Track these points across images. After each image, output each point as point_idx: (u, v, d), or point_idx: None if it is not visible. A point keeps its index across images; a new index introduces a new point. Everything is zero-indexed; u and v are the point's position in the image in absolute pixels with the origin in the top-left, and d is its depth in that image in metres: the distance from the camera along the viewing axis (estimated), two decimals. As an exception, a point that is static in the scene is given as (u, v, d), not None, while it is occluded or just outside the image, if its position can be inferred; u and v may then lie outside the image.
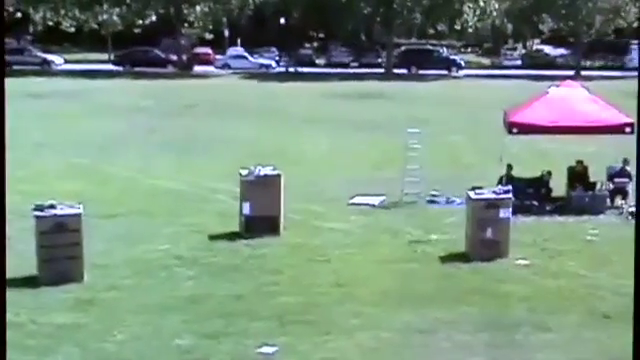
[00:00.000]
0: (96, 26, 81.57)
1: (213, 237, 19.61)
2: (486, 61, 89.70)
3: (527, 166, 25.07)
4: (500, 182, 21.98)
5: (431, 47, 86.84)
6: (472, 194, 18.74)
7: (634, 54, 76.65)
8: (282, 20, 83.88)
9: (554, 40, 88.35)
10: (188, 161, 30.17)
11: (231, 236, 19.62)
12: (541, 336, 13.70)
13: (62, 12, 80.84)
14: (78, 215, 16.33)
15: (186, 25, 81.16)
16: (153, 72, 72.03)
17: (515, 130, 22.96)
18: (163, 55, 78.64)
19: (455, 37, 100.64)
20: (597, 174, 23.75)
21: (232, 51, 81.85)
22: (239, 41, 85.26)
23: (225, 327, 13.89)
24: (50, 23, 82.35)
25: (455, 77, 74.71)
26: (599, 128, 23.22)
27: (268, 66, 79.11)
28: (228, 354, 12.85)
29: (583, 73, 70.90)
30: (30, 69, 71.22)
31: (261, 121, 42.05)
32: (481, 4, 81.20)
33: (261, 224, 19.55)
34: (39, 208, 16.34)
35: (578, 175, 23.51)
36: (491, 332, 13.84)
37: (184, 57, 79.02)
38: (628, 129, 22.51)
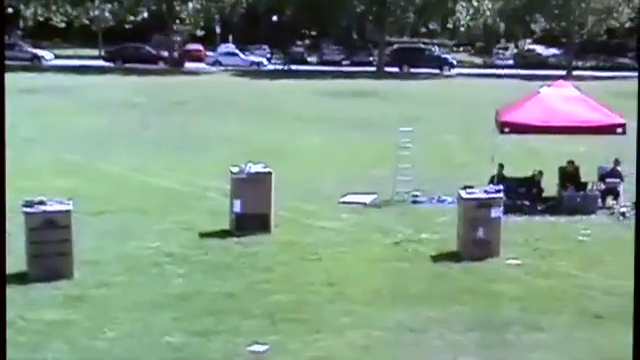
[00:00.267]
0: (87, 22, 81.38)
1: (204, 235, 19.56)
2: (478, 60, 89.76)
3: (519, 166, 25.06)
4: (491, 181, 21.98)
5: (423, 46, 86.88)
6: (464, 193, 18.73)
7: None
8: (274, 17, 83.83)
9: (546, 40, 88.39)
10: (179, 158, 30.09)
11: (222, 234, 19.57)
12: (533, 336, 13.69)
13: (53, 8, 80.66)
14: (68, 211, 16.26)
15: (178, 22, 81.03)
16: (144, 68, 71.90)
17: (507, 130, 22.95)
18: (154, 51, 78.49)
19: (447, 36, 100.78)
20: (588, 174, 23.77)
21: (223, 48, 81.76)
22: (231, 38, 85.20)
23: (216, 325, 13.85)
24: (41, 19, 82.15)
25: (447, 76, 74.72)
26: (590, 128, 23.22)
27: (259, 63, 79.01)
28: (219, 352, 12.81)
29: (575, 73, 71.00)
30: (20, 64, 70.84)
31: (252, 119, 42.00)
32: (474, 3, 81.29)
33: (252, 222, 19.50)
34: (29, 204, 16.25)
35: (569, 175, 23.52)
36: (482, 331, 13.82)
37: (175, 54, 78.89)
38: (619, 129, 22.52)
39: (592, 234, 20.24)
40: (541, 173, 23.66)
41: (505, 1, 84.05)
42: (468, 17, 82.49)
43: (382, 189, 23.79)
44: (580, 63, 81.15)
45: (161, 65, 76.01)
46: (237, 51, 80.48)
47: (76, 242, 16.36)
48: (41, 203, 16.33)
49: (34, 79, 60.52)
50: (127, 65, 73.63)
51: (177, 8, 79.77)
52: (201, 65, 77.91)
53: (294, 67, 77.11)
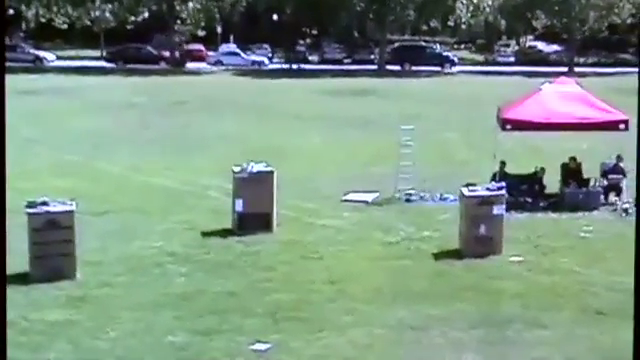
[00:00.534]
0: (88, 23, 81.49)
1: (206, 234, 19.56)
2: (479, 57, 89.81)
3: (520, 163, 25.07)
4: (493, 179, 21.95)
5: (424, 43, 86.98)
6: (465, 191, 18.73)
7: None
8: (275, 17, 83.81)
9: (547, 36, 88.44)
10: (181, 158, 30.11)
11: (224, 233, 19.58)
12: (535, 333, 13.68)
13: (54, 9, 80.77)
14: (71, 212, 16.28)
15: (178, 22, 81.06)
16: (145, 69, 71.95)
17: (508, 126, 22.92)
18: (155, 52, 78.56)
19: (448, 33, 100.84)
20: (591, 171, 23.77)
21: (225, 48, 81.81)
22: (232, 38, 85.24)
23: (218, 324, 13.86)
24: (42, 20, 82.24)
25: (448, 74, 74.74)
26: (592, 125, 23.18)
27: (261, 63, 79.04)
28: (221, 351, 12.81)
29: (576, 69, 71.04)
30: (22, 66, 70.95)
31: (254, 118, 42.03)
32: (474, 0, 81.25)
33: (254, 221, 19.50)
34: (32, 205, 16.28)
35: (572, 172, 23.51)
36: (485, 329, 13.81)
37: (176, 54, 78.94)
38: (622, 126, 22.49)
39: (594, 230, 20.23)
40: (543, 170, 23.66)
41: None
42: (469, 14, 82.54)
43: (384, 187, 23.78)
44: (582, 59, 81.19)
45: (162, 65, 76.09)
46: (238, 51, 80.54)
47: (78, 242, 16.36)
48: (44, 204, 16.35)
49: (36, 80, 60.60)
50: (129, 66, 73.69)
51: (178, 8, 79.81)
52: (202, 65, 77.97)
53: (299, 66, 77.06)
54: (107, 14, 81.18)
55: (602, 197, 23.00)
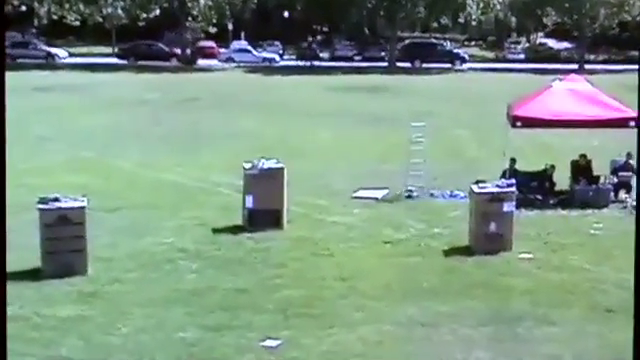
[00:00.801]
0: (100, 19, 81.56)
1: (217, 230, 19.63)
2: (489, 54, 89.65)
3: (531, 160, 25.07)
4: (503, 176, 21.96)
5: (434, 41, 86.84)
6: (476, 188, 18.75)
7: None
8: (286, 14, 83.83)
9: (558, 34, 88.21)
10: (192, 154, 30.19)
11: (234, 229, 19.64)
12: (544, 330, 13.71)
13: (67, 6, 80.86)
14: (82, 208, 16.36)
15: (190, 19, 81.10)
16: (157, 65, 72.05)
17: (519, 124, 22.93)
18: (167, 49, 78.64)
19: (459, 31, 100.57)
20: (601, 168, 23.75)
21: (236, 45, 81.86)
22: (243, 35, 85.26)
23: (229, 320, 13.93)
24: (55, 17, 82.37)
25: (458, 71, 74.65)
26: (603, 122, 23.16)
27: (272, 60, 79.07)
28: (232, 347, 12.87)
29: (587, 67, 70.85)
30: (34, 62, 71.32)
31: (265, 114, 42.07)
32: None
33: (264, 217, 19.56)
34: (43, 201, 16.37)
35: (582, 169, 23.50)
36: (494, 326, 13.85)
37: (188, 51, 79.01)
38: (632, 123, 22.45)
39: (604, 228, 20.23)
40: (553, 167, 23.67)
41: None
42: (479, 11, 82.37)
43: (394, 184, 23.81)
44: (592, 57, 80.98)
45: (174, 62, 76.17)
46: (249, 48, 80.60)
47: (90, 238, 16.45)
48: (56, 200, 16.43)
49: (48, 77, 60.83)
50: (140, 62, 73.79)
51: (189, 5, 79.82)
52: (214, 62, 78.03)
53: (310, 63, 77.10)
54: (119, 11, 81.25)
55: (612, 194, 22.98)
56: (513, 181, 19.76)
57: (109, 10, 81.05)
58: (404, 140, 25.54)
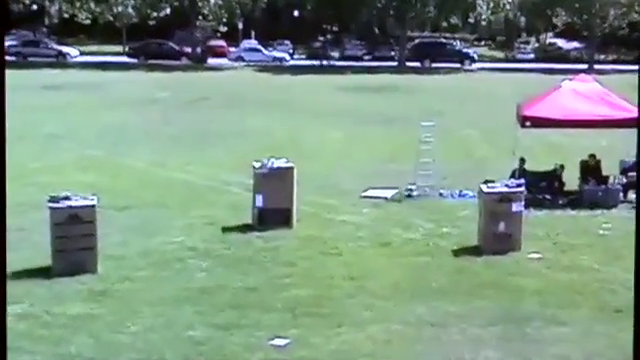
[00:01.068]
0: (111, 18, 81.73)
1: (226, 229, 19.67)
2: (499, 54, 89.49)
3: (540, 160, 25.05)
4: (513, 175, 21.97)
5: (444, 40, 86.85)
6: (485, 187, 18.75)
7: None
8: (296, 13, 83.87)
9: (567, 34, 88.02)
10: (202, 153, 30.26)
11: (244, 228, 19.68)
12: (554, 330, 13.71)
13: (77, 4, 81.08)
14: (92, 206, 16.41)
15: (200, 18, 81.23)
16: (167, 64, 72.16)
17: (528, 123, 22.93)
18: (177, 47, 78.75)
19: (468, 30, 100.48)
20: (610, 168, 23.73)
21: (246, 44, 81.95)
22: (253, 34, 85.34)
23: (238, 319, 13.96)
24: (65, 15, 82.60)
25: (468, 70, 74.58)
26: (612, 122, 23.13)
27: (282, 59, 79.12)
28: (241, 346, 12.91)
29: (596, 67, 70.71)
30: (45, 61, 71.51)
31: (275, 114, 42.11)
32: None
33: (274, 216, 19.61)
34: (54, 199, 16.43)
35: (591, 169, 23.49)
36: (503, 325, 13.86)
37: (198, 50, 79.11)
38: (641, 123, 22.44)
39: (613, 228, 20.19)
40: (562, 167, 23.66)
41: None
42: (489, 11, 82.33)
43: (403, 183, 23.82)
44: (601, 57, 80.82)
45: (184, 61, 76.24)
46: (259, 47, 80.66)
47: (100, 237, 16.51)
48: (66, 198, 16.50)
49: (59, 75, 60.98)
50: (150, 61, 73.88)
51: (199, 4, 79.96)
52: (224, 61, 78.10)
53: (320, 62, 77.12)
54: (129, 10, 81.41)
55: (621, 195, 22.95)
56: (522, 181, 19.77)
57: (120, 9, 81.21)
58: (413, 139, 25.55)
